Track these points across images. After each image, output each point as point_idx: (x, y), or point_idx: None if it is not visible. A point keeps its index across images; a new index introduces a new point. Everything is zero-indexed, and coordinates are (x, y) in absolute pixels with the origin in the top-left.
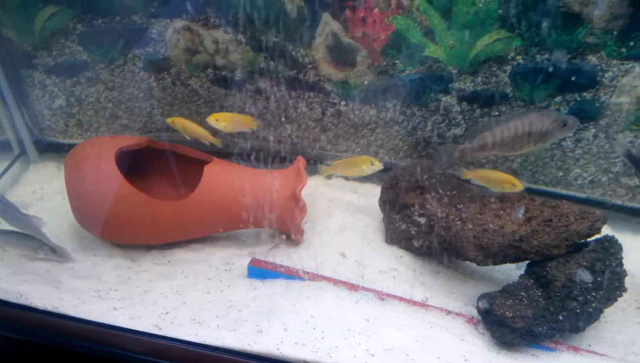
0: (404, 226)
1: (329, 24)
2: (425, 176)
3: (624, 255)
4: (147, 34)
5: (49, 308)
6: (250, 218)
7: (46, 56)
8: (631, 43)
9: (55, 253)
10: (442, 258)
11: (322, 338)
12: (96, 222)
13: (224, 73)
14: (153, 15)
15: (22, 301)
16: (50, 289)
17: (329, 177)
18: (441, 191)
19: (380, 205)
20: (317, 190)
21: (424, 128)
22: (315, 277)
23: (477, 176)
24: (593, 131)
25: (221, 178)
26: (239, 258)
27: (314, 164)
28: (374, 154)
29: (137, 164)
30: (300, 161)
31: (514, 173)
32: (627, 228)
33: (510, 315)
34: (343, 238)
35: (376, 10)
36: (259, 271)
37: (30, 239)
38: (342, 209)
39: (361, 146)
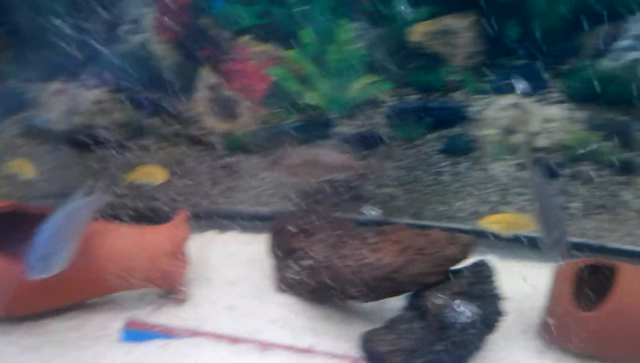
0: (293, 272)
1: (207, 78)
2: (311, 218)
3: (504, 281)
4: (27, 97)
5: None
6: (127, 278)
7: None
8: (488, 78)
9: None
10: (331, 301)
11: None
12: None
13: (103, 133)
14: (27, 79)
15: None
16: None
17: (222, 231)
18: (327, 232)
19: (269, 253)
20: (209, 244)
21: None
22: (194, 334)
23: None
24: (467, 163)
25: (95, 238)
26: (116, 322)
27: (206, 219)
28: (266, 203)
29: (5, 231)
30: (181, 214)
31: (399, 210)
32: (512, 255)
33: (387, 350)
34: (233, 291)
35: (252, 62)
36: (135, 333)
37: None
38: (235, 262)
39: (253, 196)
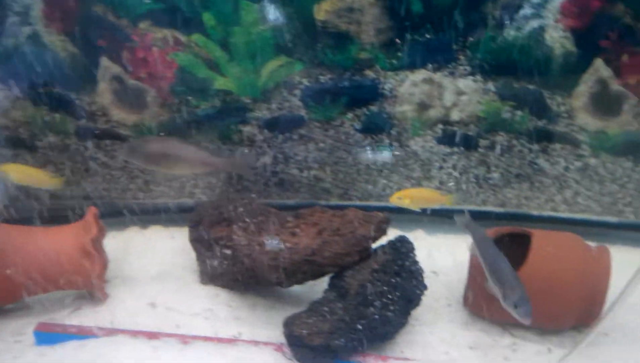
0: (215, 263)
1: (109, 68)
2: (231, 207)
3: (431, 255)
4: None
5: None
6: (37, 281)
7: None
8: (399, 54)
9: None
10: (255, 289)
11: None
12: None
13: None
14: None
15: None
16: None
17: (144, 227)
18: (247, 220)
19: (191, 245)
20: (130, 240)
21: None
22: (110, 332)
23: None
24: (387, 141)
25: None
26: (32, 326)
27: (125, 215)
28: (189, 194)
29: None
30: (90, 212)
31: (328, 192)
32: (440, 229)
33: (306, 332)
34: (156, 287)
35: (155, 48)
36: (49, 336)
37: None
38: (158, 257)
39: (175, 189)
